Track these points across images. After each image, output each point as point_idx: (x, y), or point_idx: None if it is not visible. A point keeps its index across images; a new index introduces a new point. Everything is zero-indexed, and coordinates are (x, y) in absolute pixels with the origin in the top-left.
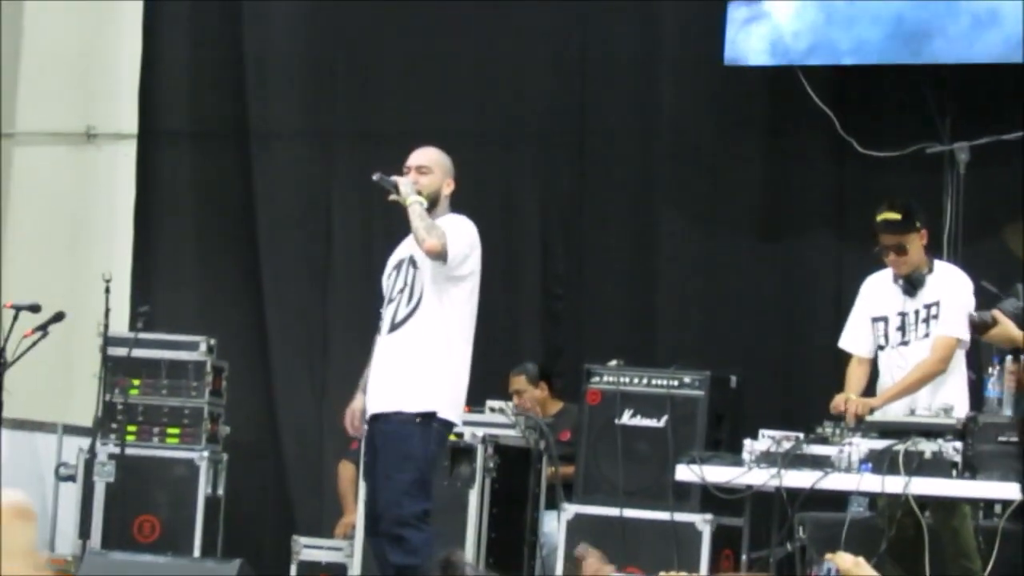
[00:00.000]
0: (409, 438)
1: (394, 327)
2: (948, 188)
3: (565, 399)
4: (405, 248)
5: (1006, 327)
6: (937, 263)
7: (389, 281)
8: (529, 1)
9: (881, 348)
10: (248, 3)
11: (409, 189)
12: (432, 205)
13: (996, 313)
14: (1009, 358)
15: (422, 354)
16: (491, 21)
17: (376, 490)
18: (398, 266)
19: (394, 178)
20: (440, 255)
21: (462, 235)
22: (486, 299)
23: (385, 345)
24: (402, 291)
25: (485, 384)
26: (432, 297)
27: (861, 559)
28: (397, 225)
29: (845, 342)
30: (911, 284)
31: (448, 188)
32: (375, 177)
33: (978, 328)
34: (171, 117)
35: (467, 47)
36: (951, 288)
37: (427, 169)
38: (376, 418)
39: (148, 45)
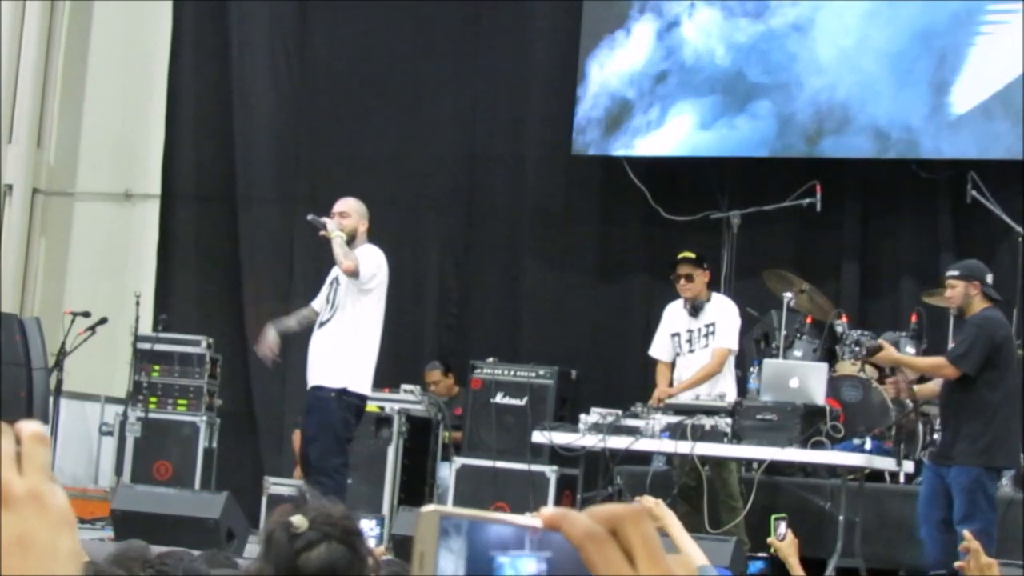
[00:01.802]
0: (328, 407)
1: (321, 325)
2: (726, 243)
3: (459, 385)
4: (333, 271)
5: (889, 351)
6: (714, 295)
7: (322, 294)
8: (432, 104)
9: (678, 355)
10: (237, 97)
11: (333, 227)
12: (351, 239)
13: (882, 341)
14: (890, 372)
15: (339, 345)
16: (408, 115)
17: (306, 446)
18: (329, 284)
19: (323, 219)
20: (354, 273)
21: (371, 259)
22: (399, 312)
23: (315, 339)
24: (328, 300)
25: (399, 373)
26: (348, 304)
27: (660, 500)
28: (329, 261)
29: (653, 351)
30: (695, 308)
31: (363, 227)
32: (309, 217)
33: (870, 351)
34: (183, 183)
35: (390, 138)
36: (724, 312)
37: (346, 214)
38: (310, 390)
39: (169, 130)
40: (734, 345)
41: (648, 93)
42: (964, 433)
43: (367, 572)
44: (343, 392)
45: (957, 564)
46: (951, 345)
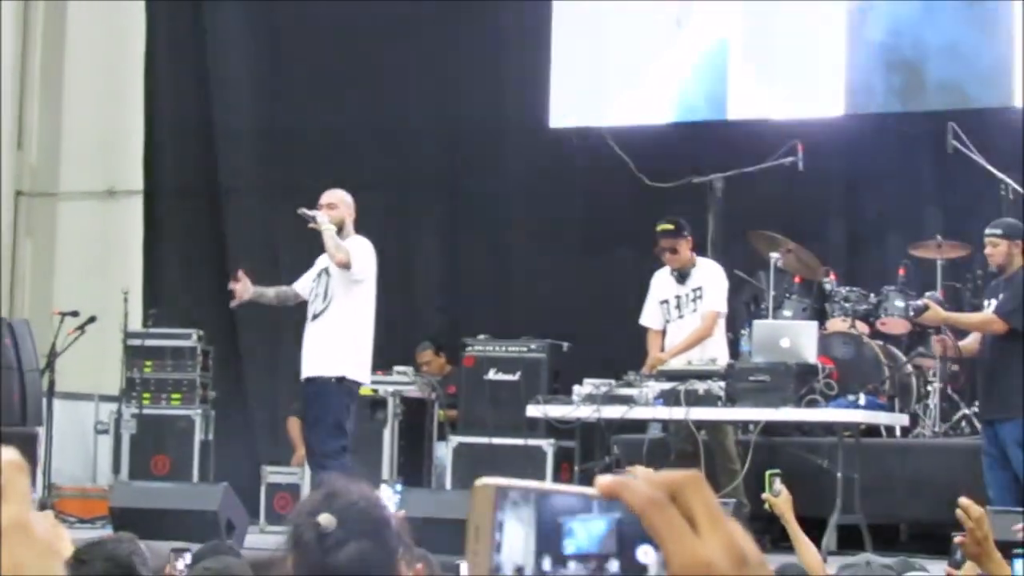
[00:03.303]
0: (327, 394)
1: (315, 317)
2: (710, 207)
3: (451, 364)
4: (321, 261)
5: (936, 310)
6: (699, 259)
7: (312, 284)
8: (409, 84)
9: (668, 321)
10: (215, 91)
11: (323, 219)
12: (339, 229)
13: (927, 300)
14: (935, 331)
15: (335, 336)
16: (385, 97)
17: (308, 433)
18: (318, 275)
19: (312, 212)
20: (346, 265)
21: (362, 251)
22: (389, 295)
23: (309, 330)
24: (319, 292)
25: (392, 355)
26: (341, 295)
27: (651, 471)
28: (317, 250)
29: (643, 319)
30: (681, 275)
31: (350, 217)
32: (299, 211)
33: (917, 311)
34: (166, 177)
35: (370, 121)
36: (711, 276)
37: (334, 205)
38: (306, 381)
39: (149, 125)
40: (722, 307)
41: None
42: (1014, 386)
43: (398, 565)
44: (341, 380)
45: (957, 539)
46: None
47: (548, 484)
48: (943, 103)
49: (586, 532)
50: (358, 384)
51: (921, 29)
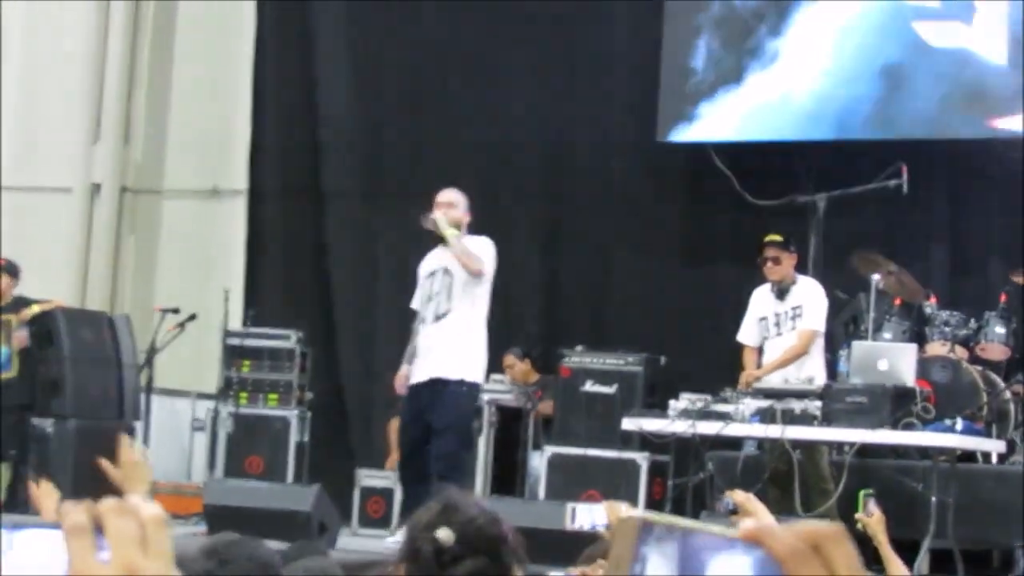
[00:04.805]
0: (458, 397)
1: (438, 318)
2: (812, 226)
3: (542, 372)
4: (435, 261)
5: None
6: (800, 277)
7: (426, 283)
8: (514, 92)
9: (765, 339)
10: (322, 92)
11: (444, 224)
12: (457, 229)
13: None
14: None
15: (462, 338)
16: (490, 103)
17: (434, 439)
18: (432, 274)
19: (434, 216)
20: (480, 274)
21: (489, 255)
22: (490, 306)
23: (431, 331)
24: (439, 293)
25: (488, 363)
26: (465, 296)
27: (751, 494)
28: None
29: (741, 336)
30: (781, 292)
31: (466, 218)
32: (422, 219)
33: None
34: (269, 178)
35: (473, 126)
36: (810, 294)
37: (454, 204)
38: (430, 383)
39: (255, 125)
40: (821, 327)
41: (732, 76)
42: None
43: None
44: (474, 386)
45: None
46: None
47: (691, 522)
48: None
49: (729, 568)
50: (479, 387)
51: None
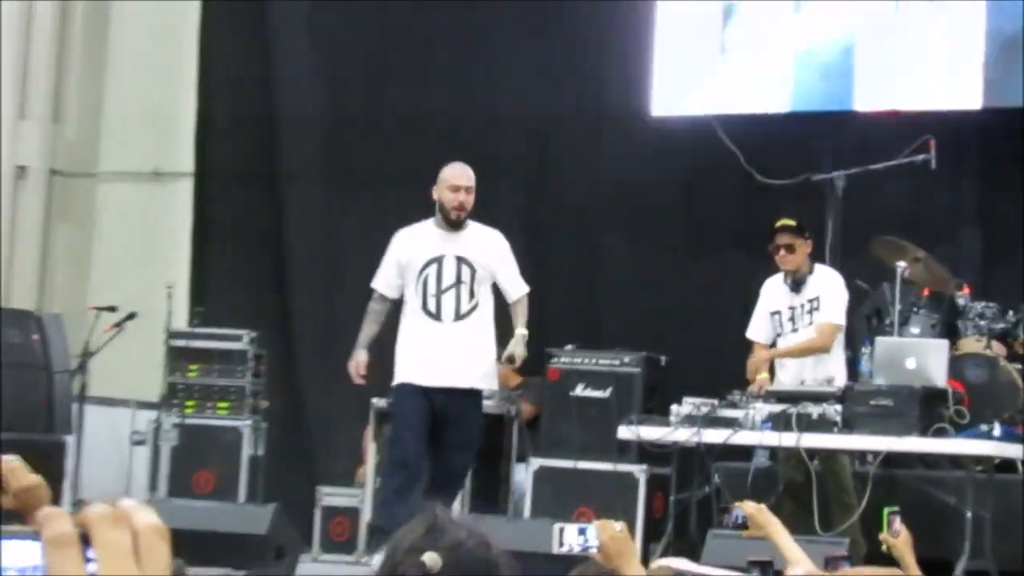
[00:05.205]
0: (479, 411)
1: (459, 317)
2: (830, 208)
3: (526, 375)
4: (435, 247)
5: None
6: (817, 266)
7: (427, 272)
8: (504, 72)
9: (779, 335)
10: (277, 65)
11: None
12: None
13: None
14: None
15: (486, 342)
16: (471, 77)
17: (453, 453)
18: (436, 261)
19: (511, 353)
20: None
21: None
22: None
23: (451, 332)
24: (455, 286)
25: None
26: (486, 294)
27: (763, 506)
28: (382, 244)
29: (751, 332)
30: (796, 283)
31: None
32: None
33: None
34: (220, 159)
35: (451, 104)
36: (829, 285)
37: (473, 189)
38: (455, 392)
39: (201, 105)
40: (841, 320)
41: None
42: None
43: None
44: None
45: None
46: None
47: (726, 572)
48: None
49: None
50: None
51: None
